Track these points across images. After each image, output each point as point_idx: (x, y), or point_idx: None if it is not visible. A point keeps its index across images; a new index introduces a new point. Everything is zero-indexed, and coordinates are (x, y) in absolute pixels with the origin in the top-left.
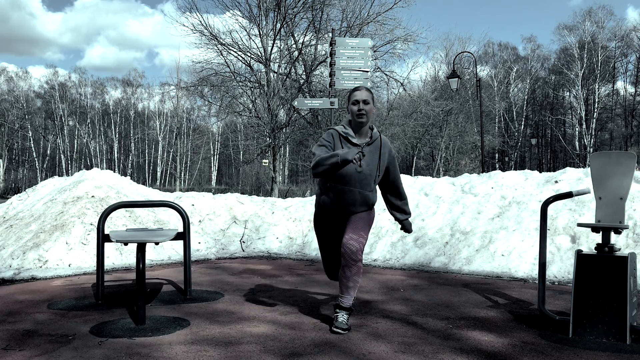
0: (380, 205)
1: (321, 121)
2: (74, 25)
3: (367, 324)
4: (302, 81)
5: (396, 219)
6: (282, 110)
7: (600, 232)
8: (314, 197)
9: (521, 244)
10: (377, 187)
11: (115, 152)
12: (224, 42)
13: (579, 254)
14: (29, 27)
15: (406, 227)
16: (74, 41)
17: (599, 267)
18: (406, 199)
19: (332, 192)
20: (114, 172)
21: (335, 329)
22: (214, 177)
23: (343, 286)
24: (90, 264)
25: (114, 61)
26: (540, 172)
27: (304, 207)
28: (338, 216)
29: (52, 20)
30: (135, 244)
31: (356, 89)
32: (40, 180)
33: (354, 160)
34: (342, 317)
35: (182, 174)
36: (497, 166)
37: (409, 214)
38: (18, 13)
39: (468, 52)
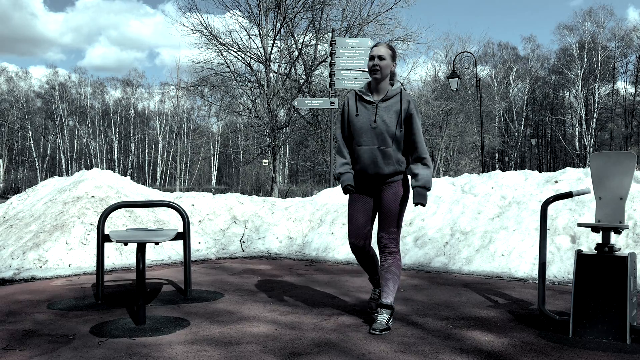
0: None
1: (321, 121)
2: (75, 25)
3: (367, 324)
4: (302, 81)
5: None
6: (282, 110)
7: (600, 232)
8: (314, 196)
9: (521, 244)
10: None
11: (115, 152)
12: (224, 42)
13: (579, 254)
14: (30, 27)
15: (415, 196)
16: (75, 41)
17: (599, 267)
18: (424, 162)
19: (356, 154)
20: (114, 172)
21: (371, 331)
22: (214, 177)
23: (382, 279)
24: (90, 264)
25: (115, 61)
26: (540, 172)
27: (304, 207)
28: (369, 182)
29: (54, 21)
30: (135, 244)
31: (376, 44)
32: (40, 180)
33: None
34: (382, 317)
35: (182, 174)
36: (497, 166)
37: (420, 181)
38: (19, 13)
39: (468, 52)
